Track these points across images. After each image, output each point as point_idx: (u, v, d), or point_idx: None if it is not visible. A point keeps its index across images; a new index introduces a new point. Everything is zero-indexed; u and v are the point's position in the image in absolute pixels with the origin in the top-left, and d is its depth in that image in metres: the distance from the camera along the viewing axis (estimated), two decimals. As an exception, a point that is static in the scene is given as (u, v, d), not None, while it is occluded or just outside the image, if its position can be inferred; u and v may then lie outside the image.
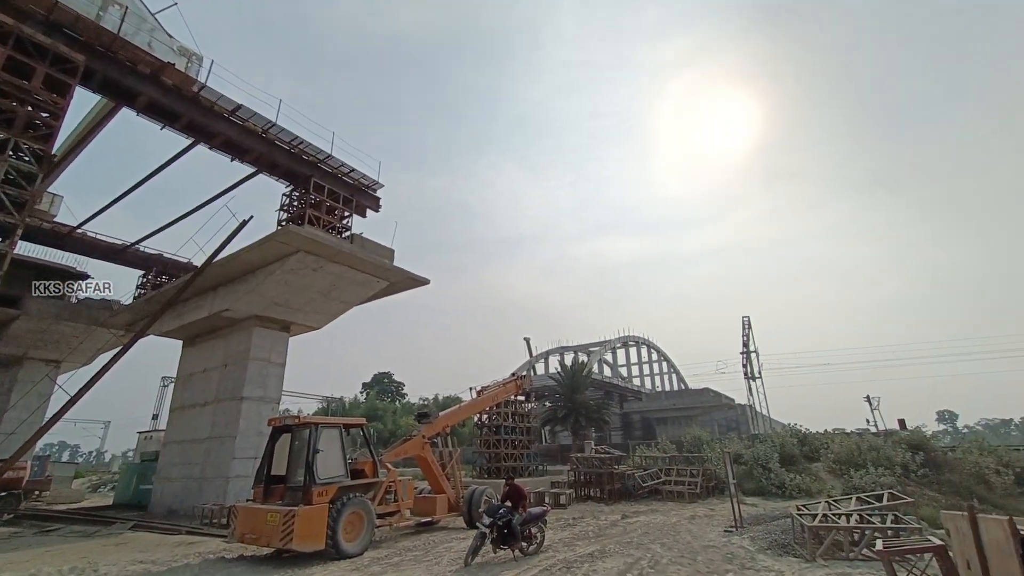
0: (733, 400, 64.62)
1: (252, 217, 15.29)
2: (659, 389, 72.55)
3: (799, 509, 9.78)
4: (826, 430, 27.30)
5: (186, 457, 17.70)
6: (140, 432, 33.01)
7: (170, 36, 13.29)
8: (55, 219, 21.37)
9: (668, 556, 8.28)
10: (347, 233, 16.97)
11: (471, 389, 19.37)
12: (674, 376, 77.59)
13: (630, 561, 7.94)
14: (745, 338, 56.20)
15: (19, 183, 10.33)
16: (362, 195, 18.22)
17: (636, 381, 70.97)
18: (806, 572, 7.10)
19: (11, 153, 10.20)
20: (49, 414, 21.22)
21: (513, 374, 26.96)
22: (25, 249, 21.10)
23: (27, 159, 10.52)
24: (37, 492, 21.45)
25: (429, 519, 12.24)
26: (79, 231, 20.87)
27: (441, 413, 14.05)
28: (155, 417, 48.07)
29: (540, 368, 63.43)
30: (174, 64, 12.91)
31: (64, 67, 11.18)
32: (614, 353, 66.68)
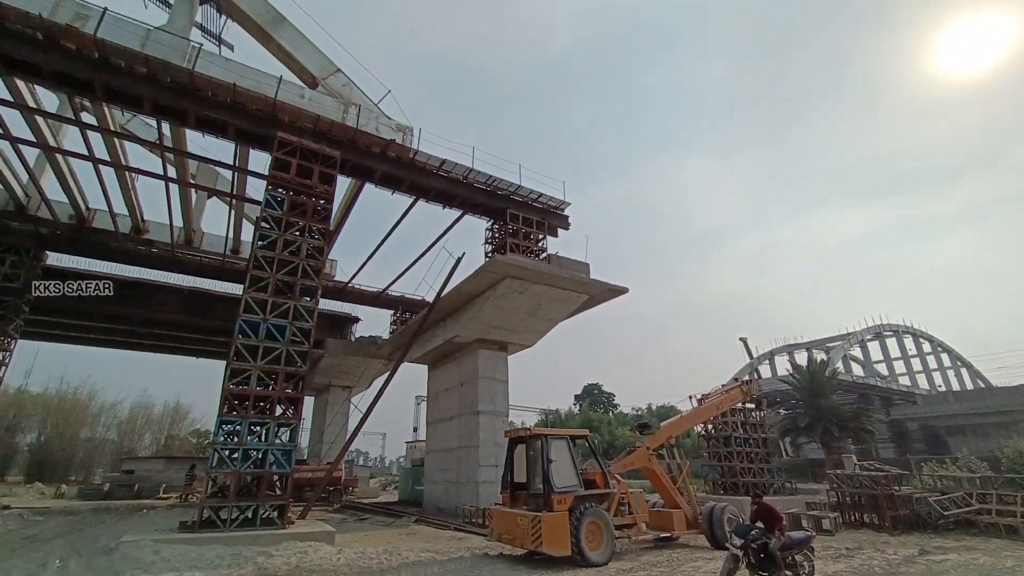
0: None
1: (464, 254, 17.47)
2: (941, 389, 56.28)
3: None
4: None
5: (443, 464, 20.73)
6: (407, 442, 40.46)
7: (389, 118, 16.30)
8: (334, 278, 27.96)
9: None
10: (544, 254, 17.92)
11: (691, 398, 18.06)
12: (965, 372, 59.42)
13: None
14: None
15: (314, 255, 13.89)
16: (552, 217, 19.09)
17: (903, 380, 56.58)
18: None
19: (307, 235, 13.80)
20: (350, 428, 27.57)
21: (735, 379, 24.22)
22: (321, 304, 28.13)
23: (316, 237, 14.09)
24: (350, 488, 27.88)
25: (668, 535, 11.65)
26: (350, 286, 26.80)
27: (662, 423, 13.39)
28: (415, 429, 58.21)
29: (765, 371, 55.90)
30: (395, 140, 15.76)
31: (328, 163, 14.71)
32: (863, 347, 54.51)
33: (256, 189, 17.03)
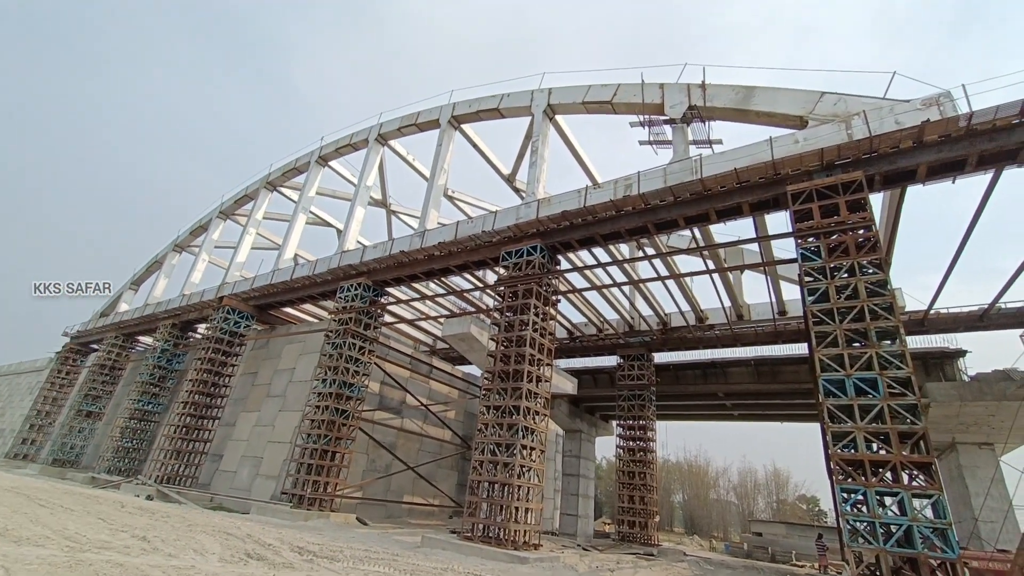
0: None
1: None
2: None
3: None
4: None
5: None
6: None
7: (906, 101, 13.25)
8: (905, 308, 23.11)
9: None
10: None
11: None
12: None
13: None
14: None
15: (877, 291, 12.17)
16: None
17: None
18: None
19: (859, 273, 12.42)
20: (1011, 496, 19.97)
21: None
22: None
23: (870, 271, 12.43)
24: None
25: None
26: (932, 312, 21.36)
27: None
28: None
29: None
30: (927, 119, 12.47)
31: (852, 188, 13.22)
32: None
33: (787, 250, 17.35)
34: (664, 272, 21.79)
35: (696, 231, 18.92)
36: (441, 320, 28.55)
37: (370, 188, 27.60)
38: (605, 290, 24.87)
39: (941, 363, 24.22)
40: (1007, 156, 12.26)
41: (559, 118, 21.29)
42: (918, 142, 12.73)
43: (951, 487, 26.89)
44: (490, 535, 14.83)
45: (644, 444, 27.22)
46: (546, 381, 17.55)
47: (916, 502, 10.38)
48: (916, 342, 24.10)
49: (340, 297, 23.37)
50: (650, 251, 20.81)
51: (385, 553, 11.32)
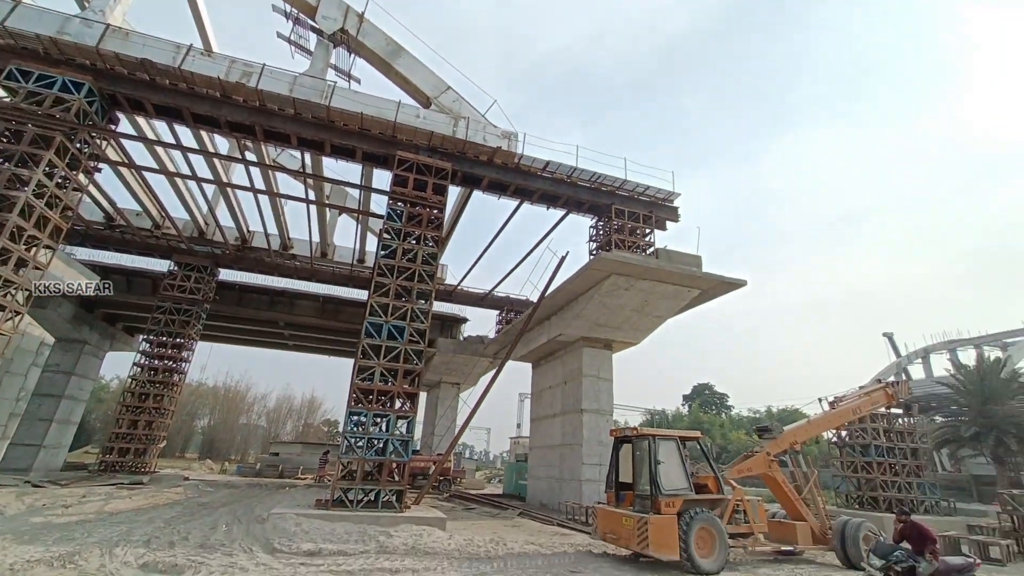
0: None
1: (568, 253, 17.72)
2: None
3: None
4: None
5: (546, 460, 21.29)
6: (511, 437, 41.98)
7: (495, 126, 17.18)
8: (444, 282, 29.94)
9: None
10: (651, 248, 17.58)
11: (820, 400, 16.57)
12: None
13: None
14: None
15: (428, 261, 15.22)
16: (660, 209, 18.65)
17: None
18: None
19: (422, 243, 15.17)
20: (459, 423, 29.36)
21: (878, 380, 21.57)
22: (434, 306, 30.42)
23: (430, 244, 15.42)
24: (459, 479, 29.71)
25: (790, 548, 10.92)
26: (459, 288, 28.53)
27: (785, 428, 12.51)
28: (519, 426, 59.93)
29: (916, 371, 48.51)
30: (500, 146, 16.59)
31: (441, 175, 15.98)
32: (1056, 345, 44.63)
33: (379, 204, 19.03)
34: (261, 186, 19.77)
35: (307, 157, 18.16)
36: None
37: None
38: (180, 181, 20.28)
39: (452, 325, 32.78)
40: (526, 194, 17.79)
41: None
42: (490, 160, 16.73)
43: (429, 413, 36.87)
44: None
45: (175, 365, 23.97)
46: (37, 269, 12.70)
47: (400, 422, 13.65)
48: (444, 308, 31.71)
49: None
50: (252, 157, 18.43)
51: None
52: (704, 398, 66.64)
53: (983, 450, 27.19)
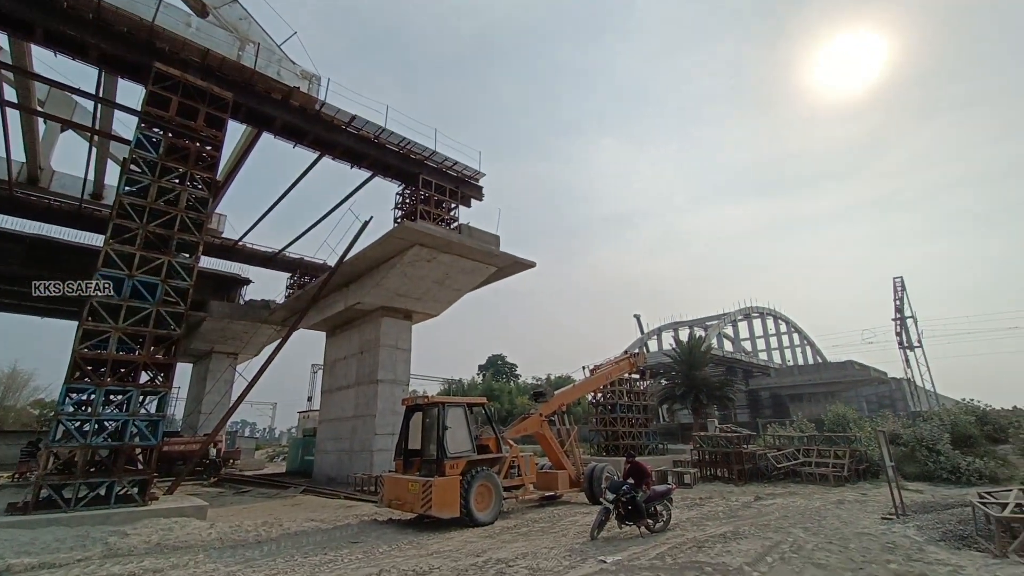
0: (885, 374, 56.55)
1: (372, 218, 16.80)
2: (790, 364, 66.04)
3: (982, 497, 8.37)
4: (1014, 407, 22.78)
5: (337, 433, 20.26)
6: (299, 412, 38.75)
7: (293, 63, 14.93)
8: (222, 235, 25.43)
9: (813, 541, 7.62)
10: (455, 224, 17.85)
11: (584, 368, 19.44)
12: (808, 349, 70.05)
13: (768, 544, 7.46)
14: (898, 302, 48.87)
15: (196, 207, 12.51)
16: (466, 186, 18.98)
17: (763, 356, 65.34)
18: (995, 569, 6.06)
19: (188, 183, 12.36)
20: (233, 398, 25.63)
21: (625, 352, 26.27)
22: (204, 262, 25.50)
23: (199, 187, 12.67)
24: (232, 461, 26.16)
25: (552, 493, 12.67)
26: (241, 244, 24.58)
27: (556, 392, 14.34)
28: (309, 399, 55.70)
29: (653, 346, 61.33)
30: (299, 87, 14.53)
31: (218, 105, 13.18)
32: (735, 326, 61.96)
33: (127, 126, 14.87)
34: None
35: (7, 42, 12.98)
36: None
37: None
38: None
39: (230, 286, 28.23)
40: (327, 147, 16.12)
41: None
42: (284, 100, 14.53)
43: (195, 388, 31.39)
44: None
45: None
46: None
47: (149, 399, 11.10)
48: (221, 266, 27.01)
49: None
50: None
51: None
52: (497, 368, 72.41)
53: (687, 404, 36.10)
